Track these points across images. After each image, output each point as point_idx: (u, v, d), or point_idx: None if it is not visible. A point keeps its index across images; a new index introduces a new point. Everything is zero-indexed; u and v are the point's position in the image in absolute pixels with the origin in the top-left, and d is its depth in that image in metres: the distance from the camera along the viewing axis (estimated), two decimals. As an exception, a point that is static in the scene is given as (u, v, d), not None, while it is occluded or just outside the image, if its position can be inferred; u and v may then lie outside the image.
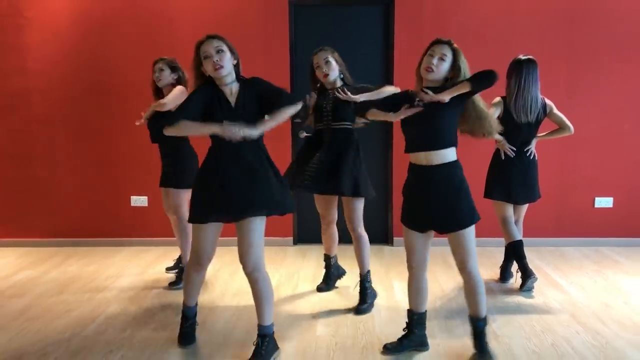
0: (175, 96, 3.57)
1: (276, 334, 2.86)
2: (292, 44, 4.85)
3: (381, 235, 5.04)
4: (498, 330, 3.10)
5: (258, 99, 2.68)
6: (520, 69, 3.57)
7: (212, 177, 2.65)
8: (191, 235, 3.18)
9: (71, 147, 5.02)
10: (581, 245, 4.85)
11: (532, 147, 3.71)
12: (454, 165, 2.59)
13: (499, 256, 4.16)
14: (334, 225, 3.68)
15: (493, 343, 2.88)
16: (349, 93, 3.17)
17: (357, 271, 3.54)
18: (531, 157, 3.72)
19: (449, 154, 2.58)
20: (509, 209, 3.78)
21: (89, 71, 4.93)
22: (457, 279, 3.71)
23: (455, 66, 2.60)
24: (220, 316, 3.39)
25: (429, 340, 2.90)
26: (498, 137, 3.56)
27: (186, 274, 2.88)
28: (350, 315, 3.38)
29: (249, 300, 2.87)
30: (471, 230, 2.58)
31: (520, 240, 3.74)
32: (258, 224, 2.62)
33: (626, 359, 2.76)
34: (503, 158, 3.69)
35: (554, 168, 4.82)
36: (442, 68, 2.59)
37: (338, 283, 3.91)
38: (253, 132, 2.56)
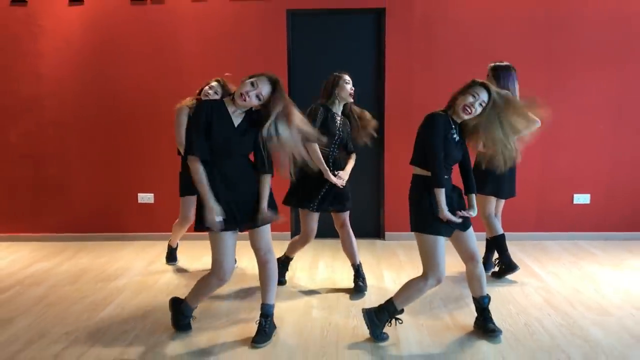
0: None
1: (275, 317, 3.17)
2: (290, 50, 5.16)
3: (374, 231, 5.36)
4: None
5: (254, 134, 2.88)
6: (497, 76, 3.86)
7: (222, 191, 2.86)
8: None
9: (81, 148, 5.33)
10: (561, 239, 5.17)
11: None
12: None
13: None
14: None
15: (471, 324, 3.20)
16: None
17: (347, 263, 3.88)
18: None
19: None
20: (494, 204, 4.08)
21: (98, 76, 5.24)
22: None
23: (483, 112, 2.85)
24: (222, 300, 3.69)
25: (414, 320, 3.21)
26: None
27: (209, 284, 3.03)
28: (343, 300, 3.69)
29: (248, 285, 3.18)
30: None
31: (503, 234, 4.05)
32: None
33: (589, 336, 3.07)
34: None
35: (535, 167, 5.14)
36: (477, 113, 2.85)
37: (333, 273, 4.23)
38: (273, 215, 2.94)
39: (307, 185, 3.64)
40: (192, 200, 4.04)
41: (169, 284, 4.10)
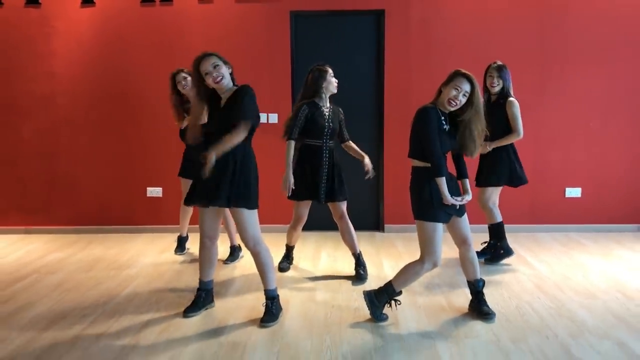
0: None
1: (281, 300, 3.39)
2: (293, 50, 5.37)
3: (373, 223, 5.57)
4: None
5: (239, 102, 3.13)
6: (501, 75, 4.14)
7: (197, 167, 3.15)
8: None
9: (92, 144, 5.54)
10: (553, 232, 5.38)
11: (486, 149, 4.17)
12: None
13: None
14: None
15: (465, 307, 3.41)
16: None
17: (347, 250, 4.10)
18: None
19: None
20: (498, 194, 4.34)
21: (108, 75, 5.46)
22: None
23: (469, 101, 3.05)
24: (231, 286, 3.90)
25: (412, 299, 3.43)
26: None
27: (199, 251, 3.41)
28: (345, 286, 3.91)
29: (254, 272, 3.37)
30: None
31: (502, 222, 4.32)
32: (247, 213, 3.15)
33: (576, 317, 3.29)
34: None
35: (529, 162, 5.33)
36: (461, 104, 3.05)
37: (335, 263, 4.44)
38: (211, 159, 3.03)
39: (307, 178, 3.89)
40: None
41: (179, 271, 4.31)
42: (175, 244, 4.93)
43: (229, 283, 4.00)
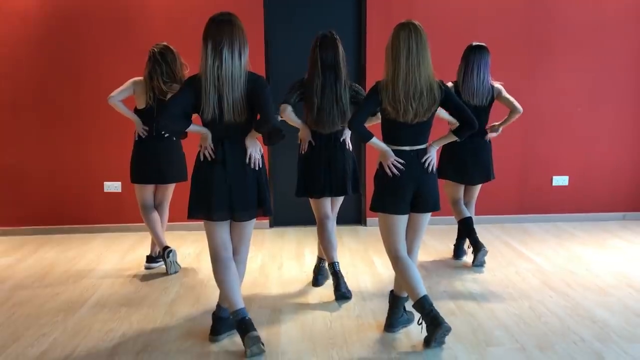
0: None
1: (272, 308, 2.99)
2: (267, 30, 4.91)
3: (355, 217, 5.23)
4: (480, 298, 3.32)
5: (250, 98, 2.62)
6: (468, 55, 3.79)
7: (212, 174, 2.65)
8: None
9: (41, 133, 4.91)
10: (541, 221, 5.19)
11: (494, 134, 3.90)
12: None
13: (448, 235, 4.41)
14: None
15: (477, 310, 3.11)
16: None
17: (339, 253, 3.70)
18: (485, 141, 3.91)
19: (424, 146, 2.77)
20: (461, 190, 4.00)
21: (59, 56, 4.84)
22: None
23: None
24: (214, 292, 3.46)
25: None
26: (451, 119, 3.50)
27: (214, 272, 2.76)
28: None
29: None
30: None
31: (470, 217, 3.96)
32: (253, 222, 2.78)
33: (595, 317, 3.04)
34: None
35: (515, 151, 5.12)
36: None
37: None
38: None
39: (312, 173, 3.37)
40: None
41: (148, 277, 3.82)
42: (140, 245, 4.42)
43: (209, 288, 3.55)
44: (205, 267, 3.94)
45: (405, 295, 2.83)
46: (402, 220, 2.75)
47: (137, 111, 3.84)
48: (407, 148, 2.71)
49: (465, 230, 3.95)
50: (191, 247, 4.51)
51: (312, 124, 3.30)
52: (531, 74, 5.08)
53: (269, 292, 3.50)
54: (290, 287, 3.58)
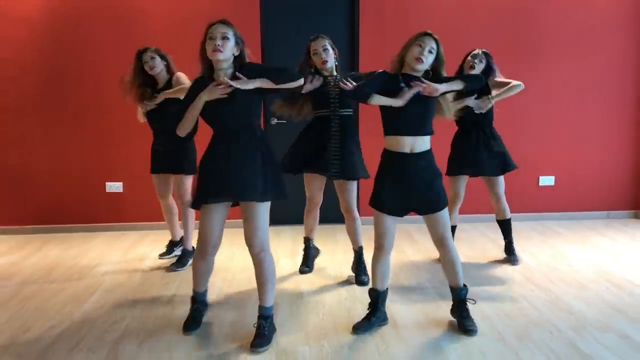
0: (189, 80, 3.70)
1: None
2: (263, 30, 5.08)
3: (348, 215, 5.39)
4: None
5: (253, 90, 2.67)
6: (489, 60, 3.95)
7: (214, 162, 2.74)
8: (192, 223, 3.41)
9: (44, 134, 5.08)
10: (528, 220, 5.38)
11: (482, 107, 3.88)
12: (431, 153, 2.86)
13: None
14: (318, 207, 3.85)
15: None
16: (352, 83, 3.28)
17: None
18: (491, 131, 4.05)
19: (428, 142, 2.84)
20: (459, 183, 4.08)
21: (61, 59, 5.00)
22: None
23: (438, 59, 2.80)
24: (212, 286, 3.62)
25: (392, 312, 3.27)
26: (471, 102, 3.78)
27: (193, 261, 2.99)
28: (330, 283, 3.72)
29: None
30: (446, 209, 2.89)
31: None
32: (263, 208, 2.72)
33: (573, 309, 3.22)
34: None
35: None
36: (429, 60, 2.77)
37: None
38: (244, 84, 2.61)
39: (312, 149, 3.53)
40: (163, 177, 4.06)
41: (150, 273, 3.99)
42: (141, 243, 4.59)
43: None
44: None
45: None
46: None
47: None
48: (407, 150, 2.81)
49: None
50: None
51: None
52: (519, 77, 5.24)
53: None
54: (284, 283, 3.75)
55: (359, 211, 3.77)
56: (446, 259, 2.94)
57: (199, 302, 3.03)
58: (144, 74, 3.89)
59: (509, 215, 4.15)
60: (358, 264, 3.78)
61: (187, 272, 3.96)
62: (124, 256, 4.42)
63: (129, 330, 3.00)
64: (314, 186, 3.72)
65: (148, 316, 3.18)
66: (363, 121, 5.12)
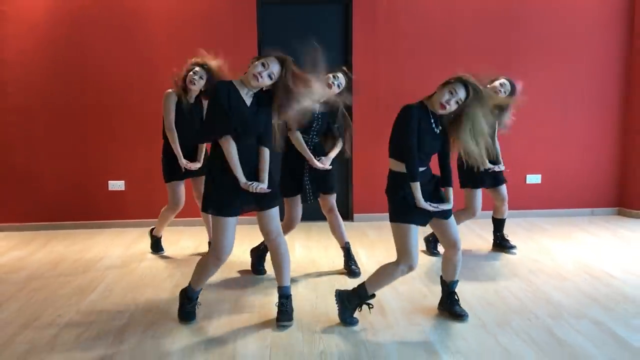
0: None
1: (265, 294, 3.35)
2: (260, 38, 5.28)
3: (342, 213, 5.53)
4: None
5: (266, 114, 2.95)
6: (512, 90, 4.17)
7: (229, 174, 2.90)
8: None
9: (48, 135, 5.26)
10: (515, 217, 5.57)
11: None
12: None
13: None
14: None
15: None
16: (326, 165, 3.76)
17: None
18: None
19: None
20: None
21: (65, 62, 5.19)
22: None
23: (461, 109, 2.84)
24: (210, 279, 3.81)
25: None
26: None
27: (204, 265, 3.05)
28: (324, 276, 3.92)
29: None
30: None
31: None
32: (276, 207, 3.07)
33: (551, 299, 3.42)
34: None
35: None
36: (453, 108, 2.83)
37: (310, 253, 4.42)
38: (264, 187, 2.92)
39: (293, 175, 3.76)
40: (180, 185, 4.14)
41: (151, 267, 4.18)
42: (142, 239, 4.77)
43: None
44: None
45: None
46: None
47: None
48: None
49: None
50: (189, 240, 4.88)
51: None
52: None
53: (261, 279, 3.86)
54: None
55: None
56: (454, 259, 3.08)
57: (195, 300, 3.18)
58: (184, 79, 3.97)
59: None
60: (349, 259, 3.98)
61: (189, 266, 4.15)
62: (126, 251, 4.61)
63: (133, 318, 3.19)
64: (298, 209, 3.86)
65: (151, 307, 3.37)
66: (356, 130, 5.31)
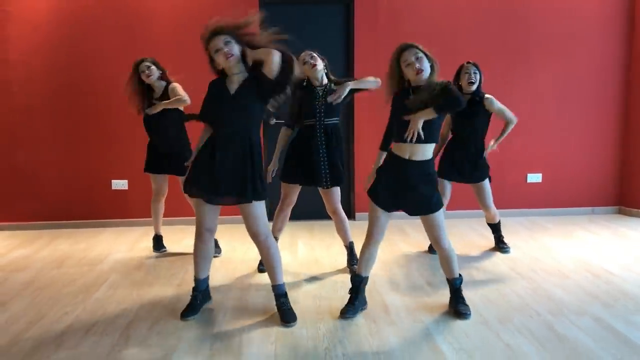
0: (184, 92, 4.13)
1: (268, 291, 3.38)
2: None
3: (344, 211, 5.60)
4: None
5: (257, 88, 2.91)
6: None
7: (207, 160, 2.94)
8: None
9: (52, 134, 5.30)
10: (516, 216, 5.62)
11: (489, 150, 4.24)
12: (430, 163, 3.03)
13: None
14: (291, 208, 3.99)
15: (447, 291, 3.50)
16: (340, 95, 3.59)
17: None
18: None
19: (428, 152, 2.99)
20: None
21: (68, 62, 5.23)
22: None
23: (432, 67, 2.94)
24: (214, 275, 3.85)
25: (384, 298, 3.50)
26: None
27: (194, 248, 3.17)
28: (327, 274, 3.96)
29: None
30: (440, 212, 3.06)
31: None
32: (257, 204, 2.97)
33: (552, 296, 3.45)
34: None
35: (493, 151, 5.53)
36: (426, 65, 2.92)
37: (313, 251, 4.45)
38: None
39: (300, 161, 3.74)
40: (156, 177, 4.37)
41: (155, 265, 4.21)
42: (146, 237, 4.80)
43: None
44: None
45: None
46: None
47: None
48: (406, 157, 2.97)
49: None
50: (192, 239, 4.89)
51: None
52: (507, 78, 5.50)
53: (265, 278, 3.89)
54: (284, 274, 3.96)
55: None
56: (441, 257, 3.15)
57: (198, 291, 3.23)
58: (141, 83, 4.19)
59: (498, 219, 4.45)
60: (351, 257, 4.03)
61: (190, 264, 4.17)
62: (130, 249, 4.64)
63: (138, 316, 3.22)
64: (293, 191, 3.88)
65: (156, 304, 3.40)
66: (359, 129, 5.37)
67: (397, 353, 2.72)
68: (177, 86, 4.18)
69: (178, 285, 3.74)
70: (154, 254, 4.52)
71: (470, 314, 3.15)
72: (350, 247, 4.04)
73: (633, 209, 5.66)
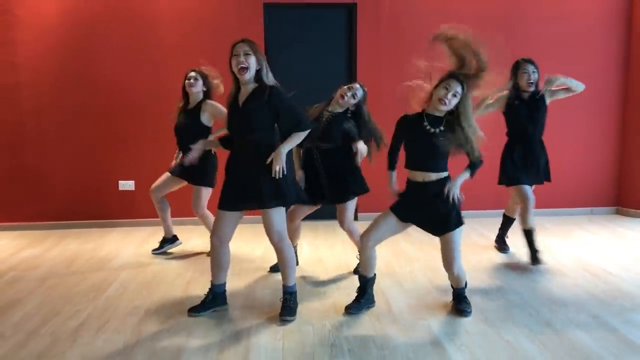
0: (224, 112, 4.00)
1: (274, 289, 3.48)
2: (266, 42, 5.41)
3: (347, 212, 5.71)
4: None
5: (272, 108, 3.01)
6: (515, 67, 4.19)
7: (229, 170, 3.15)
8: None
9: (60, 136, 5.40)
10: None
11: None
12: (446, 180, 3.09)
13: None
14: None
15: (447, 284, 3.59)
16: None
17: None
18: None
19: (441, 175, 3.09)
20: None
21: (76, 65, 5.33)
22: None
23: (464, 104, 3.05)
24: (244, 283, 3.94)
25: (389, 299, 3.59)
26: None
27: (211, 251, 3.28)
28: (331, 272, 4.05)
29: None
30: (457, 232, 3.11)
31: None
32: (275, 210, 3.09)
33: (552, 294, 3.55)
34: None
35: (494, 152, 5.61)
36: (453, 103, 3.02)
37: (317, 251, 4.55)
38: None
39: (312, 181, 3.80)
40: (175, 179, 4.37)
41: (163, 265, 4.31)
42: (153, 237, 4.89)
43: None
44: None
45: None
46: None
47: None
48: (420, 180, 3.09)
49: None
50: (199, 239, 5.01)
51: None
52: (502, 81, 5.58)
53: (271, 276, 3.99)
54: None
55: (357, 213, 4.02)
56: (452, 279, 3.26)
57: (213, 293, 3.32)
58: (184, 91, 4.22)
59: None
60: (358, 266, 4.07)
61: (200, 264, 4.28)
62: (138, 249, 4.74)
63: (149, 314, 3.31)
64: (300, 214, 3.94)
65: (165, 303, 3.49)
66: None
67: (401, 349, 2.81)
68: (211, 104, 4.13)
69: (186, 284, 3.83)
70: (162, 254, 4.62)
71: (471, 312, 3.24)
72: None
73: (631, 209, 5.75)
